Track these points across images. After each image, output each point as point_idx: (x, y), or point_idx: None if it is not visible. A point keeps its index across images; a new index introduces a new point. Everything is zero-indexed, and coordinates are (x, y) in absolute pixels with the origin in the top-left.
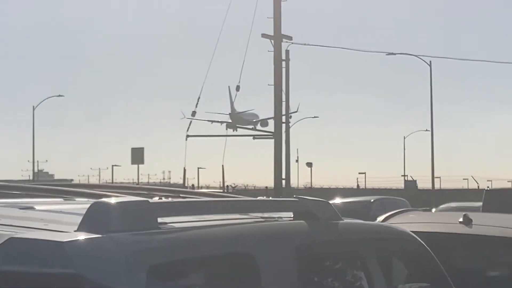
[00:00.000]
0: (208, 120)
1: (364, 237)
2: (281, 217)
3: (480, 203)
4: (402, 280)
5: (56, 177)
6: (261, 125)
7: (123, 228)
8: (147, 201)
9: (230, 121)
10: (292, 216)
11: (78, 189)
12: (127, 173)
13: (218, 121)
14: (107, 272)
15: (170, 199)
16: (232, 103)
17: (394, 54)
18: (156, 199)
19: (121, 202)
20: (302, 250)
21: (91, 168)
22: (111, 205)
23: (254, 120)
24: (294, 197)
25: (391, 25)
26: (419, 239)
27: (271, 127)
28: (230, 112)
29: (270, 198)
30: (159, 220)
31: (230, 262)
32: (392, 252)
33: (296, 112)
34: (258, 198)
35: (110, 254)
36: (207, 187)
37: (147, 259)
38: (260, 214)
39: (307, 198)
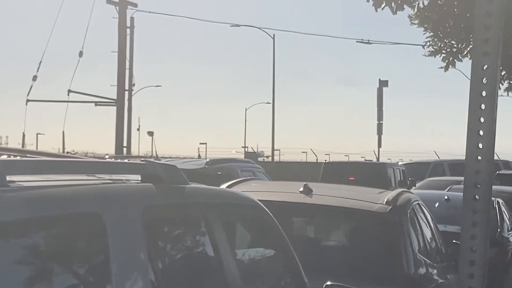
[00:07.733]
0: None
1: (210, 202)
2: (128, 180)
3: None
4: (246, 246)
5: None
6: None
7: None
8: None
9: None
10: (139, 179)
11: None
12: None
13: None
14: None
15: (19, 158)
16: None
17: (238, 26)
18: (4, 157)
19: None
20: (149, 213)
21: None
22: None
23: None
24: (142, 161)
25: None
26: (263, 206)
27: (113, 94)
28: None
29: (119, 160)
30: (8, 178)
31: (79, 222)
32: (237, 218)
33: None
34: (107, 159)
35: None
36: None
37: None
38: (108, 176)
39: (155, 162)
